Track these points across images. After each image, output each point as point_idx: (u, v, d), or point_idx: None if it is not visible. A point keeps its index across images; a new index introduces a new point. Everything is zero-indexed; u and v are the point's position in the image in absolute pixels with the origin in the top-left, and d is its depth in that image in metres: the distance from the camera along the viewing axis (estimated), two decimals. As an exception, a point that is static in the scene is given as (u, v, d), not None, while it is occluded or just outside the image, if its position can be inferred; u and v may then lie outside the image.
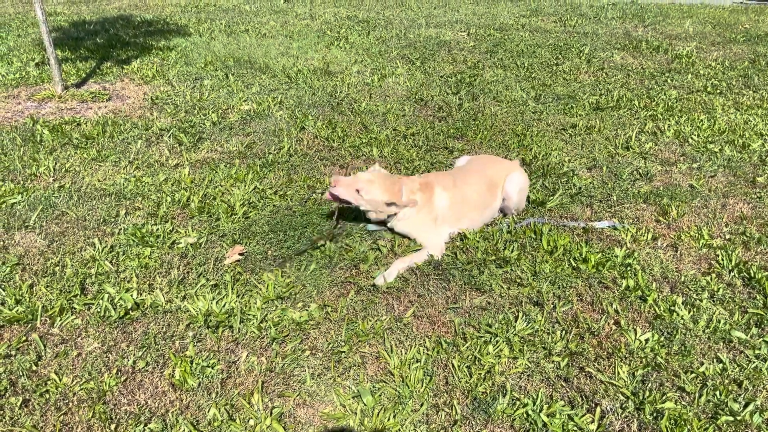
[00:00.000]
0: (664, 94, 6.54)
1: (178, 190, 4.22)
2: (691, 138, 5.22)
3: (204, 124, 5.55)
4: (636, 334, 2.84)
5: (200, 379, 2.56)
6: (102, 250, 3.47)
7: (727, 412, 2.40)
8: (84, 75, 7.12)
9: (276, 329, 2.86)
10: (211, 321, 2.90)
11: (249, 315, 2.94)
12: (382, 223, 3.63)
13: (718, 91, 6.65)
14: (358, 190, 3.38)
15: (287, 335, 2.84)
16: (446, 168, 4.62)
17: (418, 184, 3.54)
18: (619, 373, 2.61)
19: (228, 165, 4.67)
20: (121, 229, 3.72)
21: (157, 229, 3.69)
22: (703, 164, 4.72)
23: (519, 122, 5.68)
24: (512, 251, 3.47)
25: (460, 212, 3.58)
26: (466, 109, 6.06)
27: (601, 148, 5.05)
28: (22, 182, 4.33)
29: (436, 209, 3.51)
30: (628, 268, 3.33)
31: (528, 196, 4.04)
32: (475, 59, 8.14)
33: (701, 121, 5.64)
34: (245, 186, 4.24)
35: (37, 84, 6.76)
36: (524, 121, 5.71)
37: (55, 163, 4.64)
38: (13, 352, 2.69)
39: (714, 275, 3.28)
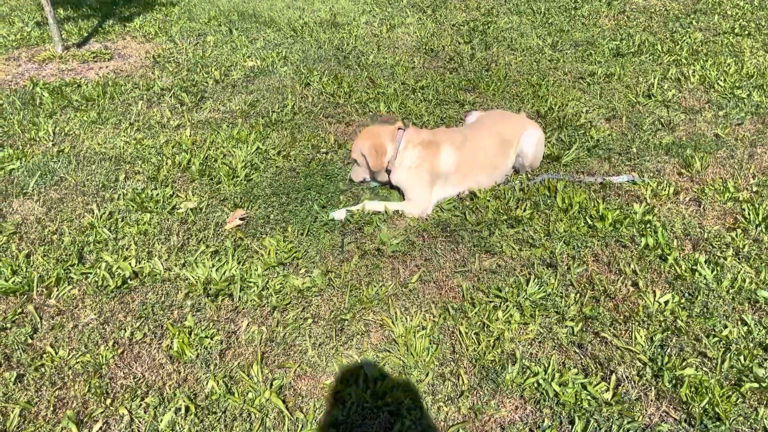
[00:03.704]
0: (689, 37, 6.18)
1: (179, 152, 4.09)
2: (717, 84, 4.93)
3: (206, 82, 5.37)
4: (655, 296, 2.69)
5: (198, 351, 2.48)
6: (101, 217, 3.37)
7: (752, 379, 2.26)
8: (86, 34, 6.93)
9: (277, 297, 2.75)
10: (210, 289, 2.80)
11: (250, 282, 2.84)
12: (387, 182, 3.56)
13: (747, 32, 6.26)
14: (363, 155, 3.38)
15: (289, 303, 2.74)
16: (456, 123, 4.42)
17: (420, 139, 3.40)
18: (636, 338, 2.47)
19: (230, 125, 4.51)
20: (120, 194, 3.61)
21: (157, 194, 3.57)
22: (730, 111, 4.45)
23: (534, 72, 5.41)
24: (525, 210, 3.31)
25: (467, 172, 3.41)
26: (478, 59, 5.78)
27: (620, 97, 4.79)
28: (21, 147, 4.23)
29: (439, 167, 3.35)
30: (648, 226, 3.15)
31: (542, 151, 3.83)
32: (488, 5, 7.78)
33: (728, 65, 5.32)
34: (248, 147, 4.09)
35: (37, 45, 6.59)
36: (540, 71, 5.44)
37: (55, 127, 4.52)
38: (8, 325, 2.63)
39: (739, 231, 3.09)
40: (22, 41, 6.69)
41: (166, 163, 3.93)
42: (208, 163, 3.92)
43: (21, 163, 3.98)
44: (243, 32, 6.89)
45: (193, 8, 8.03)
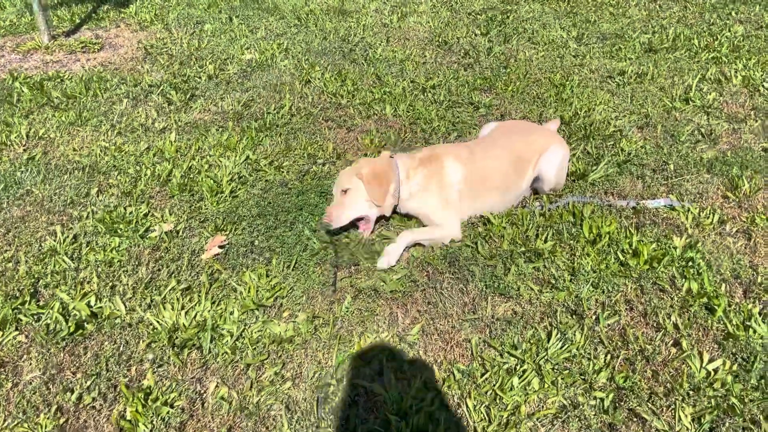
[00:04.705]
0: (729, 30, 5.63)
1: (160, 161, 3.68)
2: (763, 86, 4.41)
3: (199, 77, 4.94)
4: (702, 360, 2.24)
5: (154, 422, 2.09)
6: (63, 241, 2.98)
7: (827, 482, 1.83)
8: (78, 21, 6.52)
9: (253, 351, 2.35)
10: (177, 338, 2.41)
11: (223, 330, 2.44)
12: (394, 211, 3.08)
13: (794, 25, 5.70)
14: (344, 191, 2.87)
15: (266, 358, 2.33)
16: (470, 128, 3.96)
17: (417, 159, 2.98)
18: (680, 418, 2.04)
19: (220, 129, 4.09)
20: (89, 212, 3.22)
21: (131, 213, 3.18)
22: (779, 120, 3.95)
23: (558, 69, 4.91)
24: (545, 241, 2.87)
25: (476, 192, 2.96)
26: (496, 53, 5.29)
27: (654, 100, 4.29)
28: (-11, 153, 3.85)
29: (449, 185, 2.91)
30: (690, 264, 2.70)
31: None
32: (508, -8, 7.23)
33: (774, 63, 4.79)
34: (236, 156, 3.67)
35: (26, 33, 6.19)
36: (564, 68, 4.94)
37: (29, 129, 4.13)
38: (-62, 383, 2.26)
39: (800, 274, 2.63)
40: (10, 29, 6.29)
41: (145, 175, 3.52)
42: (191, 176, 3.51)
43: (-14, 172, 3.61)
44: (244, 20, 6.43)
45: (193, -8, 7.57)
